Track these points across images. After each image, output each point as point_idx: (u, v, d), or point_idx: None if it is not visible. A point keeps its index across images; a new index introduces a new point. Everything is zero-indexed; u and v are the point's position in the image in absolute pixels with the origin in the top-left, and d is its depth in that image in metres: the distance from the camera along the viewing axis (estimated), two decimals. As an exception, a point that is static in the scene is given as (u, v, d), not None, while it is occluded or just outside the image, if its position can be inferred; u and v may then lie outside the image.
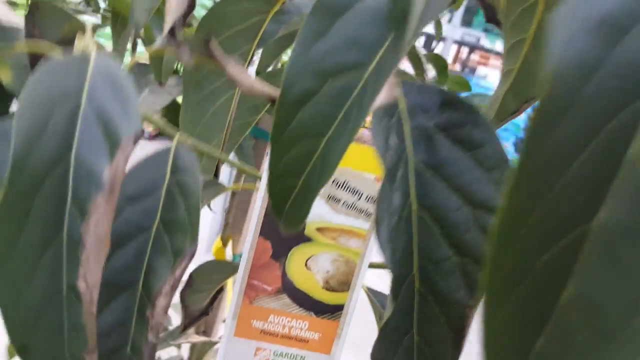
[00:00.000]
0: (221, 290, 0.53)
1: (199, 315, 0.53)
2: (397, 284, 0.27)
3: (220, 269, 0.49)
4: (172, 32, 0.24)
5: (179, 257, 0.24)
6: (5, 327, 0.20)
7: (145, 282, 0.25)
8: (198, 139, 0.46)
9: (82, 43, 0.25)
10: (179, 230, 0.25)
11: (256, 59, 0.48)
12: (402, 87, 0.31)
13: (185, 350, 0.79)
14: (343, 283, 0.40)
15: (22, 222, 0.20)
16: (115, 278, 0.24)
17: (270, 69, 0.58)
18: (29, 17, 0.32)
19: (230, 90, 0.44)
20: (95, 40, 0.25)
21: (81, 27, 0.28)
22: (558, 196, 0.13)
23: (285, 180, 0.22)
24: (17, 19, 0.36)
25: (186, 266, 0.24)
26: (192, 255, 0.24)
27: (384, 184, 0.27)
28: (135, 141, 0.21)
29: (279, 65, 0.73)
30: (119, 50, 0.39)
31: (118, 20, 0.44)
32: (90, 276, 0.20)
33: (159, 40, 0.25)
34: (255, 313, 0.40)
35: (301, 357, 0.41)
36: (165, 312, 0.24)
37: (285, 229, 0.24)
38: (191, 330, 0.77)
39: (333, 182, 0.38)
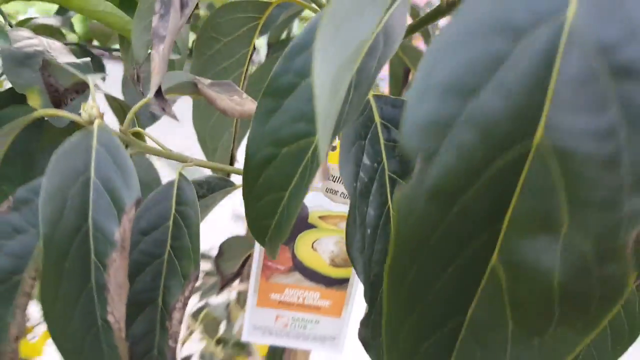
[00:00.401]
0: (249, 256, 0.60)
1: (232, 278, 0.60)
2: (373, 290, 0.32)
3: (244, 243, 0.56)
4: (158, 92, 0.29)
5: (186, 280, 0.30)
6: (59, 352, 0.27)
7: (164, 299, 0.31)
8: (211, 132, 0.51)
9: (87, 109, 0.30)
10: (185, 256, 0.31)
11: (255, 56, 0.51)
12: (376, 101, 0.35)
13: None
14: (347, 260, 0.46)
15: (60, 276, 0.26)
16: (139, 298, 0.31)
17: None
18: (43, 70, 0.37)
19: (238, 69, 0.48)
20: (96, 105, 0.30)
21: (83, 84, 0.32)
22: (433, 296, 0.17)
23: (260, 222, 0.27)
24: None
25: (193, 287, 0.30)
26: (197, 278, 0.30)
27: (353, 207, 0.32)
28: (137, 206, 0.26)
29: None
30: (131, 75, 0.43)
31: (124, 43, 0.47)
32: (116, 311, 0.26)
33: (152, 99, 0.29)
34: (273, 288, 0.47)
35: (316, 320, 0.48)
36: (180, 322, 0.30)
37: (268, 254, 0.29)
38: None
39: (330, 177, 0.42)
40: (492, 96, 0.15)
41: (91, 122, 0.30)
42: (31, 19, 0.65)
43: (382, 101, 0.34)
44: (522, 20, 0.15)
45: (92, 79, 0.32)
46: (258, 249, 0.44)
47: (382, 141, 0.34)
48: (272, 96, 0.24)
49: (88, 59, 0.48)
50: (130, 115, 0.32)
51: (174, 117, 0.30)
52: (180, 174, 0.33)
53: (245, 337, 0.48)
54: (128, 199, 0.26)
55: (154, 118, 0.57)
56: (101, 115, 0.30)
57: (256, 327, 0.48)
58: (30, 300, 0.28)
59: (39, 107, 0.44)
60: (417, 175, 0.15)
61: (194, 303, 0.94)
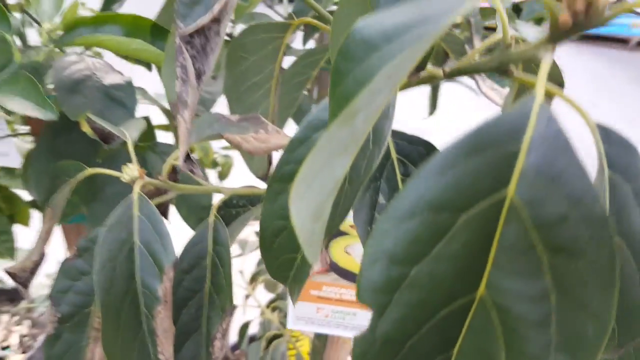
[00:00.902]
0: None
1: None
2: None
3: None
4: (187, 157, 0.32)
5: (224, 313, 0.35)
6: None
7: (207, 327, 0.36)
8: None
9: (128, 171, 0.34)
10: (222, 291, 0.35)
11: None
12: (392, 136, 0.36)
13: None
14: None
15: (117, 326, 0.31)
16: (186, 327, 0.36)
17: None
18: (88, 120, 0.41)
19: (264, 100, 0.50)
20: (136, 167, 0.34)
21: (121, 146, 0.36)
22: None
23: (280, 274, 0.31)
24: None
25: (230, 320, 0.35)
26: (232, 313, 0.35)
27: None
28: (175, 268, 0.30)
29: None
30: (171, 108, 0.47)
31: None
32: (165, 351, 0.32)
33: (181, 163, 0.32)
34: (311, 285, 0.51)
35: (353, 313, 0.52)
36: (221, 349, 0.35)
37: (291, 295, 0.33)
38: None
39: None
40: (435, 262, 0.17)
41: (133, 181, 0.34)
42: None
43: (398, 136, 0.36)
44: (465, 197, 0.17)
45: (130, 135, 0.36)
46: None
47: (399, 176, 0.36)
48: (279, 181, 0.27)
49: (129, 78, 0.52)
50: (166, 166, 0.36)
51: (204, 177, 0.33)
52: (216, 216, 0.37)
53: (290, 326, 0.53)
54: (167, 262, 0.30)
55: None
56: (142, 175, 0.34)
57: (299, 317, 0.53)
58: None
59: (91, 133, 0.48)
60: (371, 323, 0.18)
61: (253, 264, 1.01)
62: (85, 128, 0.48)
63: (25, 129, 0.71)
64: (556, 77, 0.35)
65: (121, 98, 0.50)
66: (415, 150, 0.36)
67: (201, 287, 0.36)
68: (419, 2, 0.19)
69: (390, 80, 0.17)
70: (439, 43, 0.61)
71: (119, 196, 0.55)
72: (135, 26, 0.43)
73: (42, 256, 0.36)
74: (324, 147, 0.18)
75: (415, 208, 0.17)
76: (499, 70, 0.23)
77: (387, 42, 0.19)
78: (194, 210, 0.60)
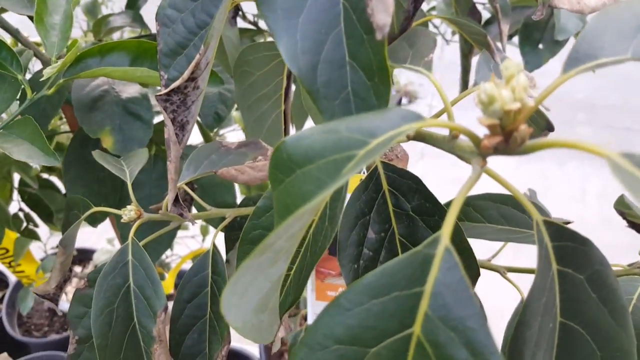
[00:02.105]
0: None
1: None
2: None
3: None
4: (176, 200, 0.34)
5: (223, 341, 0.37)
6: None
7: (209, 350, 0.38)
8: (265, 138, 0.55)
9: (127, 212, 0.36)
10: (221, 318, 0.37)
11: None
12: (384, 168, 0.36)
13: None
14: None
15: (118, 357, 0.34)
16: (190, 351, 0.38)
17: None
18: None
19: (276, 109, 0.50)
20: (135, 207, 0.36)
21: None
22: None
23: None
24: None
25: (228, 347, 0.37)
26: (229, 342, 0.37)
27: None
28: (164, 311, 0.33)
29: None
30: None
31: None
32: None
33: (170, 207, 0.34)
34: (328, 287, 0.53)
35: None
36: (223, 372, 0.38)
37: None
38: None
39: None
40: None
41: (132, 221, 0.36)
42: (107, 16, 0.71)
43: (389, 169, 0.36)
44: (372, 335, 0.17)
45: (130, 173, 0.38)
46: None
47: (390, 207, 0.36)
48: (248, 243, 0.28)
49: (146, 91, 0.53)
50: (165, 202, 0.38)
51: (191, 221, 0.35)
52: (214, 245, 0.38)
53: (310, 323, 0.56)
54: (159, 307, 0.33)
55: (219, 119, 0.62)
56: (140, 215, 0.36)
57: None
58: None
59: (111, 149, 0.51)
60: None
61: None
62: (106, 144, 0.51)
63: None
64: (542, 123, 0.33)
65: (138, 111, 0.52)
66: (406, 184, 0.35)
67: (203, 314, 0.38)
68: (347, 123, 0.19)
69: (312, 206, 0.17)
70: (464, 36, 0.58)
71: (145, 200, 0.58)
72: (140, 50, 0.44)
73: (59, 287, 0.40)
74: (254, 262, 0.19)
75: (326, 341, 0.17)
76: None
77: (309, 162, 0.19)
78: (219, 207, 0.62)
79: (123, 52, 0.44)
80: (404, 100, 3.31)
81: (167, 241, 0.59)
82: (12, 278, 1.48)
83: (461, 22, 0.53)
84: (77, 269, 1.57)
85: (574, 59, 0.18)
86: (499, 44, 0.57)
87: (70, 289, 1.50)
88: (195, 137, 0.65)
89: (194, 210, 0.59)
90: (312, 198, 0.18)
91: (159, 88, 0.50)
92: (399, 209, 0.36)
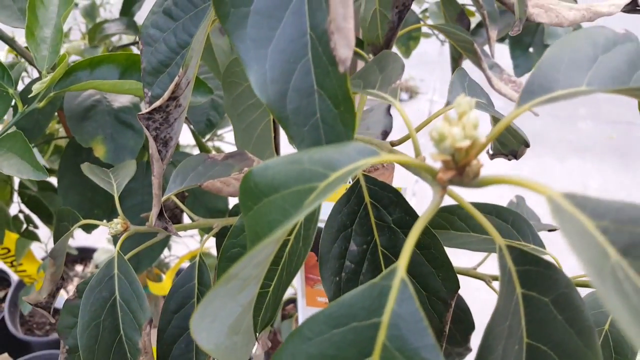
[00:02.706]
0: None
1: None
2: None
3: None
4: (160, 214, 0.34)
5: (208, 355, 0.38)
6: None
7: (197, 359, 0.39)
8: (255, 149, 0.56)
9: (114, 225, 0.36)
10: (208, 330, 0.38)
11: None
12: (366, 181, 0.36)
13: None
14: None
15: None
16: (178, 360, 0.39)
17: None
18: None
19: (265, 118, 0.51)
20: (122, 221, 0.36)
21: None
22: None
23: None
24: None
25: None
26: (216, 351, 0.38)
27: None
28: (149, 324, 0.34)
29: None
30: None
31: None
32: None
33: (154, 221, 0.35)
34: (317, 293, 0.54)
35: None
36: (210, 380, 0.38)
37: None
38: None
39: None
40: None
41: (118, 233, 0.37)
42: (102, 23, 0.72)
43: (370, 182, 0.36)
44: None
45: (117, 186, 0.38)
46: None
47: (372, 219, 0.36)
48: (227, 261, 0.29)
49: (137, 100, 0.54)
50: (152, 216, 0.38)
51: (175, 234, 0.36)
52: (200, 257, 0.39)
53: (300, 327, 0.57)
54: (143, 320, 0.33)
55: (211, 125, 0.63)
56: (126, 227, 0.37)
57: (307, 320, 0.56)
58: None
59: (104, 158, 0.52)
60: None
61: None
62: (98, 153, 0.52)
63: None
64: (520, 139, 0.34)
65: (130, 120, 0.53)
66: (387, 196, 0.36)
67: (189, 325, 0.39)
68: (310, 154, 0.19)
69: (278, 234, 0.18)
70: (453, 44, 0.59)
71: (137, 207, 0.59)
72: (129, 62, 0.45)
73: (52, 295, 0.40)
74: (224, 287, 0.20)
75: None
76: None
77: (275, 191, 0.20)
78: (211, 213, 0.63)
79: (112, 64, 0.44)
80: (404, 96, 3.30)
81: (160, 247, 0.60)
82: (14, 277, 1.49)
83: (448, 30, 0.53)
84: (79, 267, 1.59)
85: (528, 92, 0.18)
86: (488, 49, 0.58)
87: (71, 288, 1.51)
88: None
89: (186, 218, 0.60)
90: (278, 227, 0.19)
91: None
92: (380, 221, 0.36)
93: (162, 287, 0.93)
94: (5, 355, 1.04)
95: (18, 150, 0.37)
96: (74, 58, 1.22)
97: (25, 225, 1.06)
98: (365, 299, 0.17)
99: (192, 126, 0.61)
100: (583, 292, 0.28)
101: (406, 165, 0.23)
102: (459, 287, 0.34)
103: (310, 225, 0.28)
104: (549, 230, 0.48)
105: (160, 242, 0.49)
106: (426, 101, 3.32)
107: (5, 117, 0.52)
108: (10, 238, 1.19)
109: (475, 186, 0.17)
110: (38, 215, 1.03)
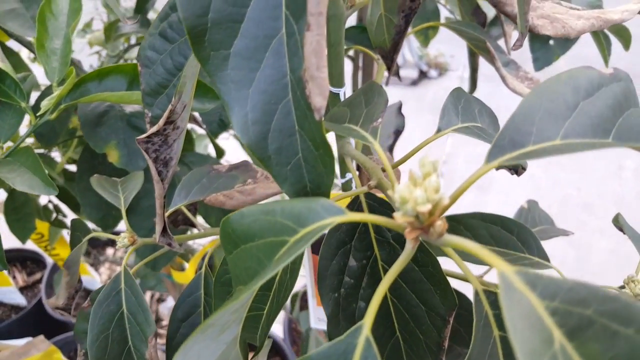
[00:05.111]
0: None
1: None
2: None
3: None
4: (164, 231, 0.35)
5: (215, 359, 0.39)
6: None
7: (205, 365, 0.41)
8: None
9: (121, 240, 0.38)
10: (214, 339, 0.39)
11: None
12: (366, 197, 0.37)
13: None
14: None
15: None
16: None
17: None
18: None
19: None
20: (129, 234, 0.38)
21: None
22: None
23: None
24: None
25: None
26: None
27: (334, 315, 0.36)
28: (155, 337, 0.35)
29: None
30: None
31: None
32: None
33: (158, 238, 0.36)
34: (327, 293, 0.54)
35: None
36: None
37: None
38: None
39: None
40: None
41: (125, 247, 0.38)
42: (116, 22, 0.72)
43: (370, 198, 0.36)
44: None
45: (124, 200, 0.39)
46: (307, 264, 0.51)
47: (372, 234, 0.37)
48: (222, 285, 0.29)
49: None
50: (156, 235, 0.39)
51: (179, 250, 0.37)
52: (206, 267, 0.40)
53: (312, 325, 0.58)
54: (149, 332, 0.35)
55: (223, 125, 0.63)
56: (133, 240, 0.38)
57: (320, 319, 0.57)
58: None
59: (117, 163, 0.53)
60: None
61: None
62: (112, 158, 0.53)
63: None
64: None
65: (141, 125, 0.54)
66: (385, 212, 0.36)
67: (197, 332, 0.40)
68: (282, 207, 0.19)
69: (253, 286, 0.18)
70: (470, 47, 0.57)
71: (153, 208, 0.60)
72: (136, 73, 0.45)
73: (71, 298, 0.42)
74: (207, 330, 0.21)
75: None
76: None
77: (251, 240, 0.20)
78: (225, 213, 0.64)
79: (120, 75, 0.45)
80: (434, 73, 3.24)
81: (173, 252, 0.62)
82: (49, 260, 1.56)
83: (461, 28, 0.52)
84: (110, 251, 1.64)
85: (498, 147, 0.18)
86: (503, 45, 0.56)
87: (103, 270, 1.57)
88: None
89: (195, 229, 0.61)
90: (254, 274, 0.19)
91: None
92: (380, 237, 0.36)
93: (186, 275, 0.96)
94: (42, 337, 1.10)
95: (30, 166, 0.39)
96: (96, 48, 1.24)
97: (55, 215, 1.10)
98: (332, 355, 0.18)
99: (205, 126, 0.62)
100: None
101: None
102: (456, 305, 0.34)
103: (296, 259, 0.28)
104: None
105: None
106: (456, 78, 3.25)
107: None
108: (43, 224, 1.24)
109: (440, 244, 0.17)
110: (66, 204, 1.07)
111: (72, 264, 0.41)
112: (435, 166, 0.16)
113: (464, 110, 0.28)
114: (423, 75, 3.23)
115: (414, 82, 3.16)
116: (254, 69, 0.22)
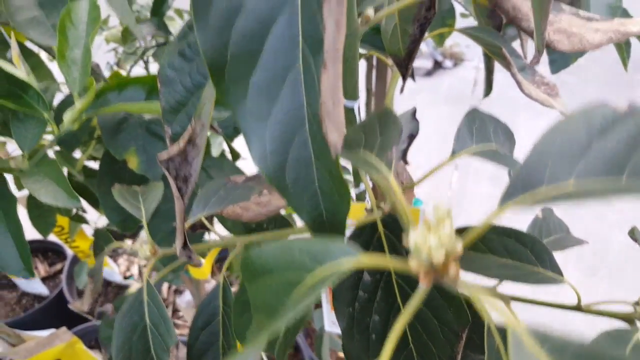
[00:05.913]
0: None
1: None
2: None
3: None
4: (184, 244, 0.36)
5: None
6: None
7: (223, 372, 0.42)
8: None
9: (143, 252, 0.39)
10: (233, 346, 0.41)
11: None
12: (385, 230, 0.37)
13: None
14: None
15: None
16: (206, 372, 0.42)
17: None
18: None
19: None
20: (150, 246, 0.39)
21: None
22: None
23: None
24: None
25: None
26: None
27: (348, 327, 0.37)
28: (177, 347, 0.36)
29: None
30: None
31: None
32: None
33: (179, 251, 0.37)
34: (342, 297, 0.55)
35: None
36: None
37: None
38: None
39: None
40: None
41: (147, 259, 0.39)
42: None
43: (387, 225, 0.36)
44: None
45: (146, 212, 0.40)
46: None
47: (386, 249, 0.37)
48: (240, 305, 0.30)
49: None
50: (179, 241, 0.40)
51: (198, 263, 0.37)
52: (224, 277, 0.41)
53: (327, 329, 0.59)
54: (171, 343, 0.36)
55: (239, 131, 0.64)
56: (154, 252, 0.39)
57: (334, 323, 0.58)
58: None
59: (137, 169, 0.54)
60: None
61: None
62: (132, 165, 0.54)
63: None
64: None
65: (160, 132, 0.55)
66: (399, 227, 0.36)
67: (216, 340, 0.41)
68: (300, 245, 0.20)
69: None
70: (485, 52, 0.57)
71: (172, 211, 0.61)
72: (154, 83, 0.46)
73: (91, 305, 0.44)
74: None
75: None
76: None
77: (269, 273, 0.21)
78: (238, 224, 0.65)
79: (138, 85, 0.46)
80: (449, 63, 3.20)
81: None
82: (70, 252, 1.59)
83: (476, 34, 0.52)
84: (129, 242, 1.67)
85: (511, 190, 0.18)
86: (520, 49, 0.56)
87: (121, 261, 1.60)
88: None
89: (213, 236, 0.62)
90: (273, 309, 0.20)
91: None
92: (394, 252, 0.37)
93: (202, 271, 0.98)
94: (64, 328, 1.13)
95: (54, 177, 0.40)
96: (113, 45, 1.25)
97: (74, 210, 1.12)
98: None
99: (220, 130, 0.63)
100: (602, 323, 0.28)
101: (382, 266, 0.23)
102: (469, 322, 0.34)
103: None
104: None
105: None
106: (472, 69, 3.21)
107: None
108: (64, 218, 1.27)
109: (455, 287, 0.17)
110: (86, 199, 1.09)
111: (96, 272, 0.42)
112: (448, 212, 0.17)
113: (478, 131, 0.29)
114: (438, 65, 3.20)
115: (429, 73, 3.13)
116: (272, 100, 0.23)
